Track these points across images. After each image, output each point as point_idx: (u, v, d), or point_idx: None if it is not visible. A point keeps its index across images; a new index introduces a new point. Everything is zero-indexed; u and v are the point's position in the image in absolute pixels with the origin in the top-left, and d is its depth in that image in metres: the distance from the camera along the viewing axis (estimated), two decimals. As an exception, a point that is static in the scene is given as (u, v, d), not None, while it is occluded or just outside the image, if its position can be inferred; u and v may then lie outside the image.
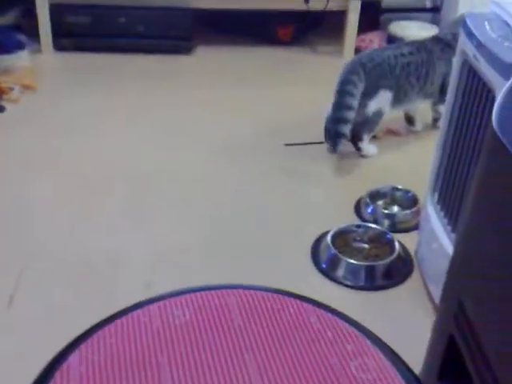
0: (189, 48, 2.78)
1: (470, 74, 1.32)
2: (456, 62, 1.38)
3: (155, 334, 0.65)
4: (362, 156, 2.11)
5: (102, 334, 0.63)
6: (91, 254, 1.63)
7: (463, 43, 1.33)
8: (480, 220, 0.94)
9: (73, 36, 2.68)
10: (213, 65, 2.73)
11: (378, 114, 2.04)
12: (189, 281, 1.52)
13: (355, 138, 2.10)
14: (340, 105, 1.97)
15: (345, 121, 1.97)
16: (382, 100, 2.03)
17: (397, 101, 2.06)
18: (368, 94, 2.00)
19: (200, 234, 1.74)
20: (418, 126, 2.27)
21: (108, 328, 0.64)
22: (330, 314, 0.72)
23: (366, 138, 2.09)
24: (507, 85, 0.90)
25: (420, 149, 2.19)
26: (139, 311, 0.68)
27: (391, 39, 2.80)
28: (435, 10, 2.94)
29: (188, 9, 2.69)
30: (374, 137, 2.19)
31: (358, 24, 2.78)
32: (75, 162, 2.03)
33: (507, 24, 1.24)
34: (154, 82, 2.56)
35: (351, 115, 1.97)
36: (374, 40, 2.84)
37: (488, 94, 1.23)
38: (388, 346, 0.67)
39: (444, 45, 2.12)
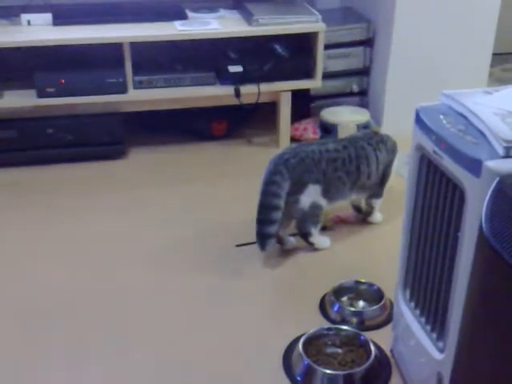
0: (121, 152, 2.70)
1: (431, 168, 1.29)
2: (413, 157, 1.36)
3: None
4: (316, 249, 2.05)
5: None
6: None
7: (419, 138, 1.31)
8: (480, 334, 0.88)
9: (-1, 152, 2.56)
10: (148, 166, 2.65)
11: (315, 206, 1.99)
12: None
13: (304, 235, 2.04)
14: (264, 206, 1.93)
15: (270, 221, 1.93)
16: (312, 193, 1.98)
17: (329, 195, 2.02)
18: (297, 190, 1.96)
19: (152, 363, 1.60)
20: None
21: None
22: None
23: (314, 231, 2.03)
24: (489, 193, 0.86)
25: (372, 235, 2.16)
26: None
27: (324, 125, 2.82)
28: (362, 93, 3.01)
29: (119, 113, 2.63)
30: (325, 228, 2.14)
31: (290, 113, 2.80)
32: (10, 291, 1.87)
33: (463, 116, 1.23)
34: (87, 192, 2.42)
35: (277, 215, 1.92)
36: (308, 128, 2.85)
37: (455, 189, 1.19)
38: None
39: (381, 137, 2.15)
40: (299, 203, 1.97)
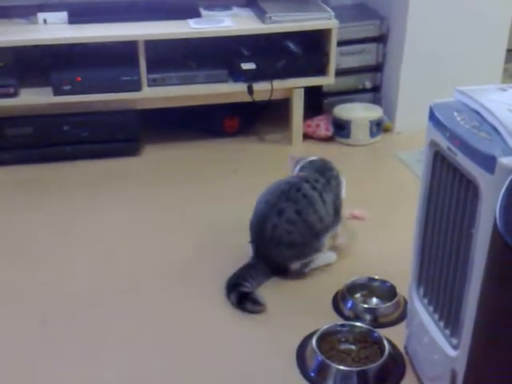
0: (136, 149, 2.72)
1: (444, 165, 1.30)
2: (427, 153, 1.36)
3: None
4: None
5: None
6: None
7: (433, 134, 1.31)
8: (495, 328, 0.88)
9: (15, 148, 2.57)
10: (161, 163, 2.67)
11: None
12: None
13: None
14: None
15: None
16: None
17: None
18: None
19: (164, 360, 1.61)
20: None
21: None
22: None
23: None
24: (503, 189, 0.86)
25: (385, 231, 2.16)
26: None
27: (337, 122, 2.82)
28: (375, 90, 3.01)
29: (133, 110, 2.65)
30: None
31: (302, 110, 2.80)
32: (28, 289, 1.89)
33: (477, 113, 1.23)
34: (101, 189, 2.44)
35: None
36: (321, 124, 2.85)
37: (469, 186, 1.20)
38: None
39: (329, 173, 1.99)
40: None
